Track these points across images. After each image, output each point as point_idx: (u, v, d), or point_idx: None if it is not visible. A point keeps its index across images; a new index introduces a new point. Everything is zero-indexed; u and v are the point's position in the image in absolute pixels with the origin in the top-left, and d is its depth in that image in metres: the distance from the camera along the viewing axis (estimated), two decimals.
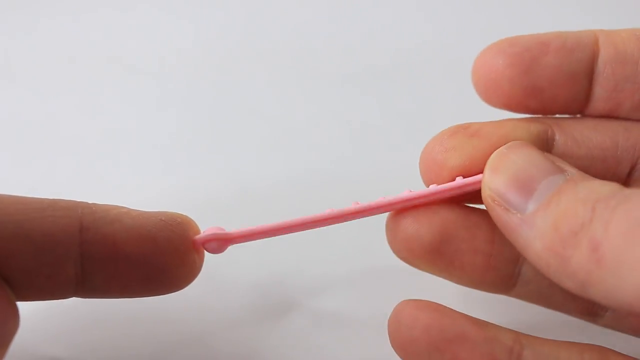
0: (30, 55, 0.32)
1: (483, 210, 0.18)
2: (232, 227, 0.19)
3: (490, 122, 0.19)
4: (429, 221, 0.19)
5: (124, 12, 0.34)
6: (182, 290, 0.23)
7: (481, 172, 0.18)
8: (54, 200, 0.17)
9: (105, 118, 0.30)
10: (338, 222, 0.19)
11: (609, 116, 0.19)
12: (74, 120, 0.30)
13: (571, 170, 0.17)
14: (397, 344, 0.18)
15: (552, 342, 0.18)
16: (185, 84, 0.31)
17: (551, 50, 0.19)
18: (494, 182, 0.17)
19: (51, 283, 0.17)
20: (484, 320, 0.18)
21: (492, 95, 0.19)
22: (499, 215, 0.17)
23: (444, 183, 0.19)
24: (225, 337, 0.22)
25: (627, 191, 0.15)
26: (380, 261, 0.24)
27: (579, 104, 0.19)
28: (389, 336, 0.18)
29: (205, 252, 0.19)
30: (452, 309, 0.18)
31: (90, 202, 0.18)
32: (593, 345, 0.18)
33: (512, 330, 0.18)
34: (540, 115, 0.20)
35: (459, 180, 0.18)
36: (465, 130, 0.19)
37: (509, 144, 0.18)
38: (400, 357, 0.18)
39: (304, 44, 0.33)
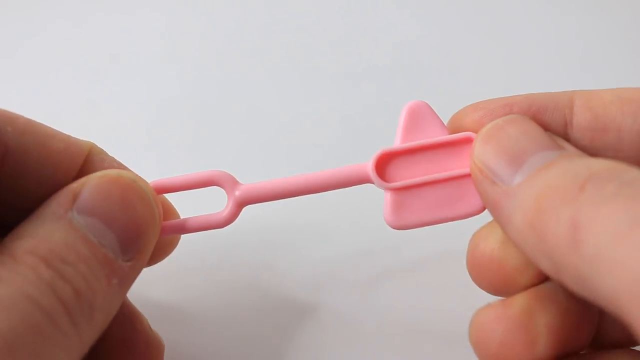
0: (33, 52, 0.33)
1: None
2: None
3: None
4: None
5: (126, 12, 0.35)
6: (182, 290, 0.23)
7: None
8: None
9: (107, 116, 0.30)
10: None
11: None
12: (74, 116, 0.30)
13: (570, 149, 0.16)
14: (476, 349, 0.18)
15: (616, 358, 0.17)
16: (186, 83, 0.31)
17: None
18: (483, 153, 0.16)
19: None
20: (561, 329, 0.17)
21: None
22: (485, 188, 0.16)
23: None
24: (225, 337, 0.22)
25: (632, 174, 0.13)
26: (383, 261, 0.24)
27: None
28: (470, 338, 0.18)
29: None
30: (532, 320, 0.17)
31: None
32: None
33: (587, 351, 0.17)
34: None
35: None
36: None
37: (508, 116, 0.17)
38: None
39: (305, 42, 0.33)
